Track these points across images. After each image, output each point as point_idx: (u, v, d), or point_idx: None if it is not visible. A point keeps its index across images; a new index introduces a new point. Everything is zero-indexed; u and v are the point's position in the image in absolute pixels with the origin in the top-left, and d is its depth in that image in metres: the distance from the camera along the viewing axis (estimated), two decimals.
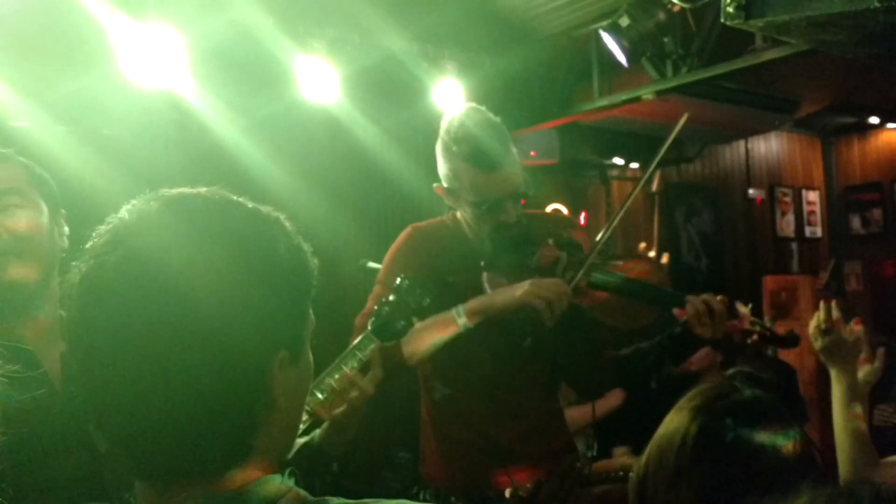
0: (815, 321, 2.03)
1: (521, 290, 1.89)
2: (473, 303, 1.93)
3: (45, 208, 1.60)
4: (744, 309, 2.03)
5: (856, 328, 2.03)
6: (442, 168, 2.06)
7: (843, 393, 1.96)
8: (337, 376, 1.62)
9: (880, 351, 2.09)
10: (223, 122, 3.76)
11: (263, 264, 0.79)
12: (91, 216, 1.64)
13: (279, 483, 0.81)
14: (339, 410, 1.59)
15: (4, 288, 1.50)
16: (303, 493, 0.82)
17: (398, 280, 1.75)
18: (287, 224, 0.86)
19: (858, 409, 1.94)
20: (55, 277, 1.60)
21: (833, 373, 2.00)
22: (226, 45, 3.60)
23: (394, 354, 1.90)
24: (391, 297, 1.73)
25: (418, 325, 1.91)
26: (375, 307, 1.75)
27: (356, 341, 1.69)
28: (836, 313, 2.02)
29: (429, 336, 1.93)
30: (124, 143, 3.65)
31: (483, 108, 2.08)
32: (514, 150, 2.02)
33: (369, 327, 1.71)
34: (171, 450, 0.76)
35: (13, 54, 3.33)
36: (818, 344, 2.02)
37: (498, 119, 2.06)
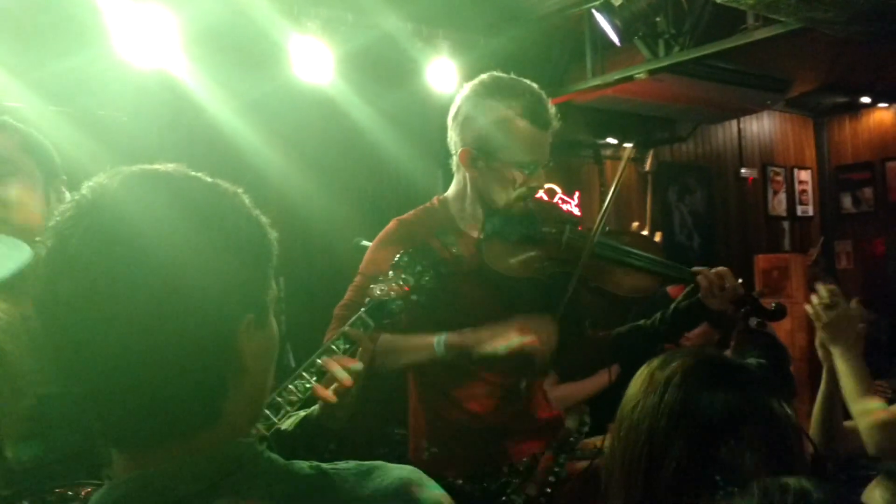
0: (817, 299, 2.04)
1: (511, 335, 1.84)
2: (458, 339, 1.88)
3: (39, 175, 1.59)
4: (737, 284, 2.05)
5: (854, 304, 2.05)
6: (477, 127, 1.98)
7: (854, 380, 1.96)
8: (325, 357, 1.56)
9: (857, 301, 2.10)
10: (217, 102, 3.76)
11: (224, 232, 0.81)
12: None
13: (246, 444, 0.84)
14: (332, 388, 1.55)
15: None
16: (273, 455, 0.86)
17: (397, 256, 1.70)
18: (245, 197, 0.88)
19: (872, 398, 1.94)
20: None
21: (837, 351, 2.00)
22: (220, 25, 3.59)
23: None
24: (389, 274, 1.68)
25: (395, 339, 1.89)
26: (371, 286, 1.69)
27: (350, 321, 1.63)
28: (835, 289, 2.04)
29: (402, 356, 1.92)
30: (118, 123, 3.65)
31: None
32: None
33: (364, 308, 1.65)
34: (142, 414, 0.78)
35: (5, 33, 3.32)
36: (824, 318, 2.02)
37: None
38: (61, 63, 3.34)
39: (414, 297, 1.69)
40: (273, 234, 0.89)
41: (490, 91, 1.99)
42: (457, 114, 2.04)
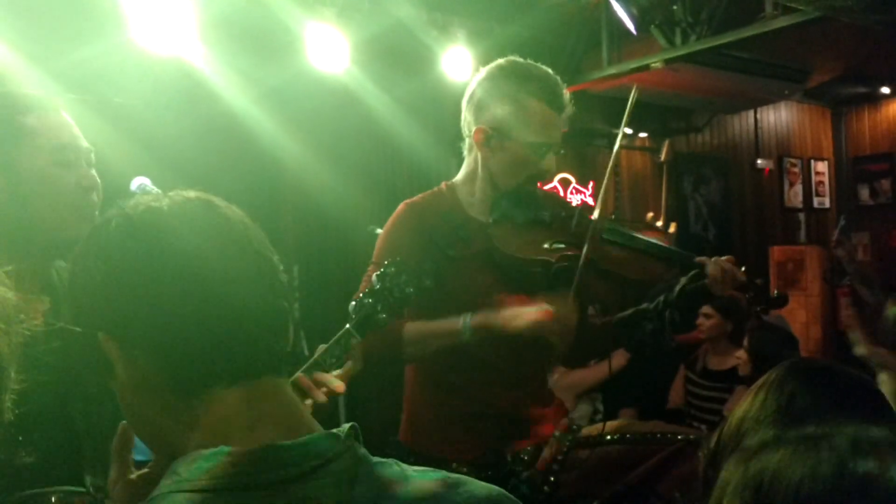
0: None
1: (533, 317, 1.87)
2: (483, 320, 1.91)
3: None
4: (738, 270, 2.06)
5: None
6: (493, 107, 2.01)
7: None
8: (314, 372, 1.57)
9: None
10: (233, 90, 3.77)
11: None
12: (101, 184, 1.67)
13: (338, 436, 0.84)
14: (308, 403, 1.52)
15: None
16: (364, 451, 0.86)
17: (382, 267, 1.69)
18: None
19: None
20: None
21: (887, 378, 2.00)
22: (236, 12, 3.60)
23: (394, 347, 1.92)
24: (376, 286, 1.67)
25: (421, 327, 1.94)
26: (358, 297, 1.68)
27: (336, 336, 1.63)
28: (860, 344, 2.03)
29: (431, 344, 1.95)
30: (134, 110, 3.66)
31: None
32: None
33: (350, 322, 1.64)
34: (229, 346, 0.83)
35: (23, 21, 3.33)
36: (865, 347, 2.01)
37: None
38: (79, 51, 3.36)
39: (398, 309, 1.68)
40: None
41: (506, 73, 2.03)
42: (472, 95, 2.07)
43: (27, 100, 1.55)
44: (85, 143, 1.58)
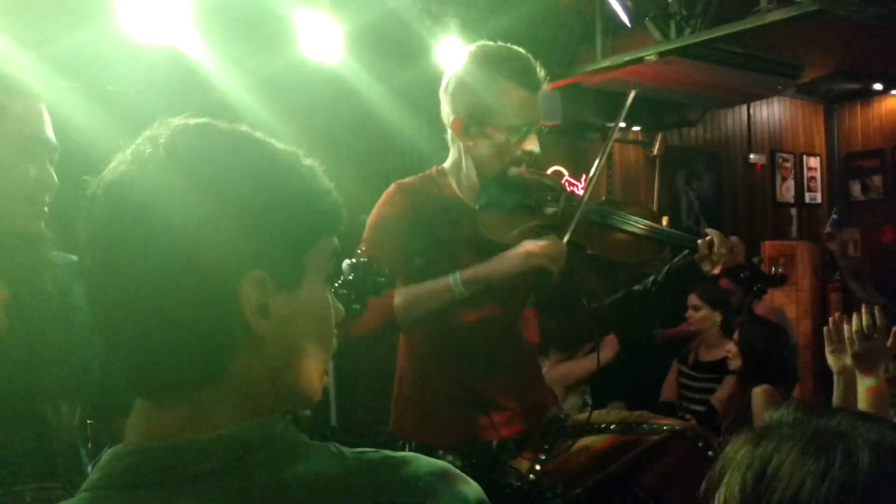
0: (857, 324, 1.97)
1: (521, 256, 1.87)
2: (472, 272, 1.90)
3: None
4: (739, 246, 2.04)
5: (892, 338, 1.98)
6: (466, 96, 2.00)
7: (872, 398, 1.91)
8: None
9: (894, 329, 2.03)
10: (226, 78, 3.76)
11: (226, 192, 0.80)
12: (93, 173, 1.66)
13: (265, 424, 0.81)
14: None
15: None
16: (300, 438, 0.83)
17: (354, 258, 1.70)
18: (300, 159, 0.88)
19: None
20: None
21: (862, 377, 1.95)
22: (229, 0, 3.59)
23: (386, 315, 1.90)
24: (348, 276, 1.66)
25: (413, 290, 1.92)
26: (333, 287, 1.66)
27: None
28: (879, 319, 1.97)
29: (424, 305, 1.93)
30: (127, 98, 3.65)
31: None
32: None
33: None
34: (154, 359, 0.79)
35: (16, 8, 3.31)
36: (857, 347, 1.97)
37: None
38: (71, 38, 3.34)
39: (372, 298, 1.68)
40: (330, 198, 0.87)
41: (476, 59, 2.01)
42: (447, 86, 2.05)
43: (7, 80, 1.50)
44: (53, 141, 1.54)
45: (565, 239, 1.94)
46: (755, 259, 2.08)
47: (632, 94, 2.13)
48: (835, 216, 5.16)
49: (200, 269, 0.78)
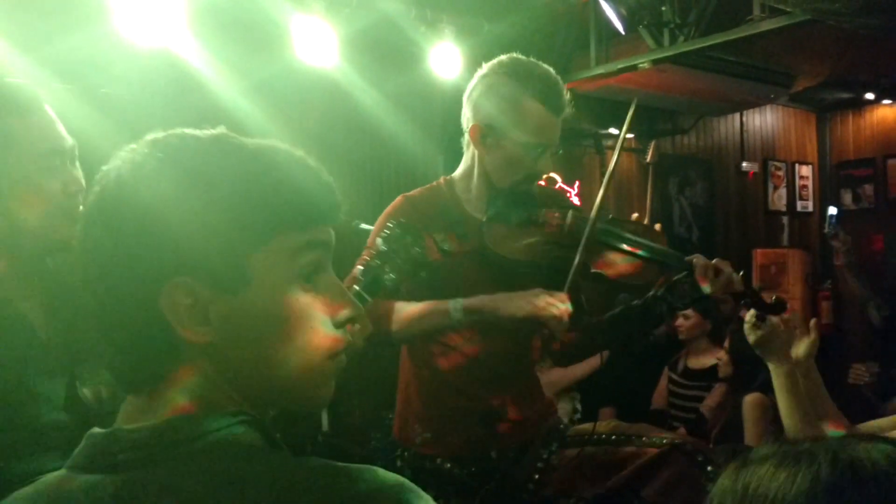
0: (748, 316, 2.04)
1: (528, 306, 1.85)
2: (474, 303, 1.89)
3: None
4: (735, 276, 2.05)
5: (786, 317, 2.03)
6: (490, 105, 1.99)
7: (784, 385, 1.98)
8: None
9: (813, 321, 2.09)
10: (221, 82, 3.76)
11: (184, 184, 0.81)
12: (88, 174, 1.67)
13: (188, 419, 0.80)
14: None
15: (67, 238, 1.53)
16: (247, 438, 0.81)
17: (386, 228, 1.69)
18: (271, 156, 0.87)
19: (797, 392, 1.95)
20: None
21: (770, 365, 2.02)
22: (224, 4, 3.60)
23: (382, 324, 1.89)
24: (381, 248, 1.67)
25: (411, 307, 1.92)
26: (365, 260, 1.69)
27: None
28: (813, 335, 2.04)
29: (419, 324, 1.92)
30: (122, 101, 3.65)
31: None
32: None
33: (359, 285, 1.65)
34: (106, 360, 0.85)
35: (9, 10, 3.31)
36: (751, 338, 2.03)
37: None
38: (66, 40, 3.34)
39: (406, 268, 1.68)
40: (284, 195, 0.84)
41: (507, 71, 2.01)
42: (472, 91, 2.05)
43: (9, 98, 1.51)
44: (69, 142, 1.56)
45: (575, 262, 1.94)
46: (757, 287, 2.09)
47: (633, 105, 2.14)
48: (832, 211, 5.17)
49: (124, 282, 0.80)
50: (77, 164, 1.58)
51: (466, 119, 2.07)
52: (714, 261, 2.01)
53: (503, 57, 2.05)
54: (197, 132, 0.87)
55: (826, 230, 5.09)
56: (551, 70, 2.04)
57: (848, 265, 4.80)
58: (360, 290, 1.63)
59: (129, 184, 0.81)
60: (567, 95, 2.03)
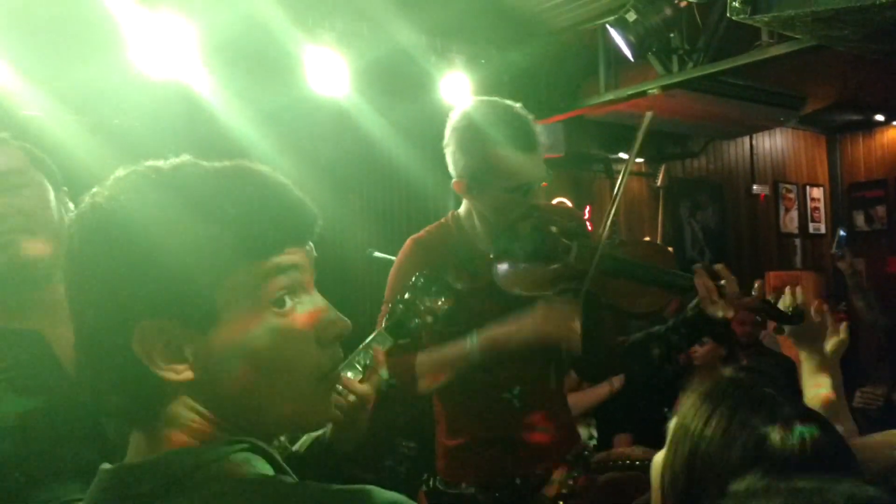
0: (782, 304, 2.02)
1: (535, 323, 1.86)
2: (487, 338, 1.91)
3: (49, 186, 1.60)
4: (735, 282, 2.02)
5: (822, 308, 2.02)
6: (464, 160, 1.99)
7: (811, 367, 1.98)
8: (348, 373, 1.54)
9: (844, 324, 2.04)
10: (232, 113, 3.79)
11: (148, 226, 0.80)
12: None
13: (199, 452, 0.80)
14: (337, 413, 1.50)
15: (22, 265, 1.51)
16: (247, 467, 0.81)
17: (413, 278, 1.70)
18: (229, 181, 0.85)
19: (824, 379, 1.95)
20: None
21: (803, 354, 2.01)
22: (236, 36, 3.62)
23: (402, 379, 1.89)
24: (406, 295, 1.67)
25: (430, 356, 1.92)
26: (390, 306, 1.69)
27: (367, 340, 1.62)
28: (800, 297, 2.01)
29: (441, 373, 1.93)
30: (133, 132, 3.68)
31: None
32: None
33: (383, 326, 1.65)
34: (107, 402, 0.85)
35: (24, 42, 3.35)
36: (786, 330, 2.02)
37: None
38: (79, 73, 3.38)
39: (430, 320, 1.67)
40: (243, 225, 0.82)
41: (471, 121, 1.99)
42: (447, 143, 2.05)
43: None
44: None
45: (582, 293, 1.93)
46: (770, 297, 2.05)
47: (647, 117, 2.11)
48: (841, 233, 5.13)
49: (97, 329, 0.81)
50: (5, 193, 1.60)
51: (450, 170, 2.07)
52: (716, 266, 1.98)
53: (468, 105, 2.03)
54: (159, 164, 0.86)
55: (833, 250, 5.06)
56: (517, 107, 2.01)
57: (854, 288, 4.76)
58: (385, 332, 1.63)
59: (92, 228, 0.81)
60: (538, 128, 2.00)
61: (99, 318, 0.80)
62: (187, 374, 0.80)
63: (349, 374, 1.53)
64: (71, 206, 1.67)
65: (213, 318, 0.80)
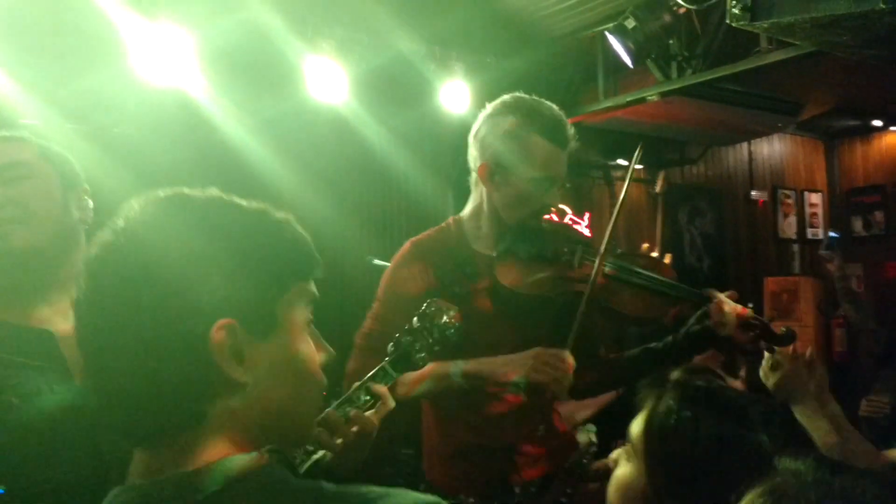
0: (764, 361, 1.95)
1: (526, 368, 1.86)
2: (474, 367, 1.92)
3: (56, 180, 1.61)
4: (743, 309, 2.03)
5: (806, 352, 1.93)
6: (496, 144, 2.01)
7: (805, 417, 1.84)
8: (347, 408, 1.52)
9: (809, 350, 1.95)
10: (232, 121, 3.80)
11: (214, 238, 0.87)
12: (99, 213, 1.68)
13: (247, 459, 0.84)
14: (339, 442, 1.50)
15: (14, 255, 1.53)
16: (281, 472, 0.86)
17: (423, 306, 1.68)
18: (269, 214, 0.93)
19: (821, 423, 1.82)
20: (78, 251, 1.62)
21: (796, 410, 1.86)
22: (235, 45, 3.63)
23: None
24: (415, 324, 1.65)
25: (412, 374, 1.89)
26: (396, 336, 1.66)
27: (371, 373, 1.59)
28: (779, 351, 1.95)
29: (422, 388, 1.94)
30: (133, 141, 3.68)
31: None
32: None
33: (387, 359, 1.62)
34: (136, 409, 0.84)
35: (24, 51, 3.36)
36: (769, 384, 1.93)
37: None
38: (79, 81, 3.38)
39: (437, 349, 1.66)
40: (304, 246, 0.94)
41: (511, 109, 2.03)
42: (478, 130, 2.08)
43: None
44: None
45: (584, 298, 1.93)
46: (766, 318, 2.06)
47: (639, 149, 2.19)
48: (831, 234, 5.15)
49: (174, 322, 0.83)
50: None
51: (473, 158, 2.09)
52: (717, 301, 1.99)
53: (506, 96, 2.08)
54: (193, 191, 0.92)
55: (821, 251, 5.07)
56: (554, 106, 2.07)
57: (842, 291, 4.75)
58: (387, 366, 1.60)
59: (173, 236, 0.86)
60: (571, 130, 2.06)
61: (179, 311, 0.83)
62: (243, 378, 0.85)
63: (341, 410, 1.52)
64: (90, 203, 1.68)
65: (273, 327, 0.88)
